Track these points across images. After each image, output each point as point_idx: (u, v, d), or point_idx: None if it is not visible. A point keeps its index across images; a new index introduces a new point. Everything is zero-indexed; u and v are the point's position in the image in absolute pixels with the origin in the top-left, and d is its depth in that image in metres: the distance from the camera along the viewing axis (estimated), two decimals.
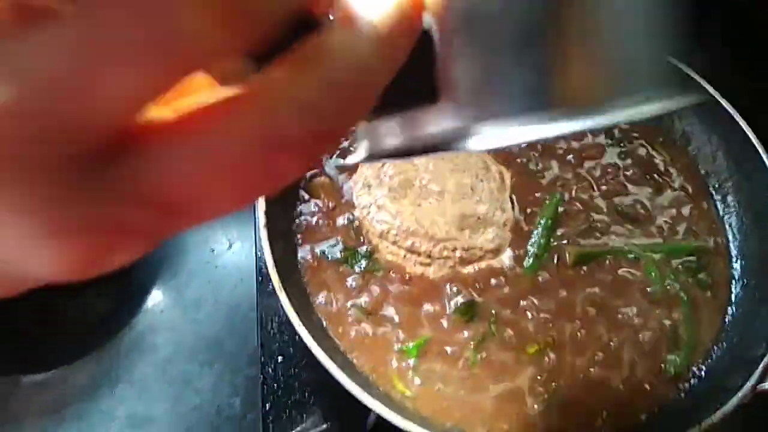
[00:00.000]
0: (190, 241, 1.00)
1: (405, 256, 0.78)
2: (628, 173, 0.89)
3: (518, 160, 0.90)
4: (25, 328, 0.92)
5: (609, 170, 0.89)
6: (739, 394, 0.64)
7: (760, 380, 0.65)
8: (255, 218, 0.75)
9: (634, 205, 0.86)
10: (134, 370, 0.89)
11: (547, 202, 0.85)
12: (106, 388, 0.87)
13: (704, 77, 0.88)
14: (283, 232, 0.79)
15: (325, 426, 0.77)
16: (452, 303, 0.76)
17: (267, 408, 0.79)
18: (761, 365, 0.66)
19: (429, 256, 0.77)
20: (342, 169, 0.86)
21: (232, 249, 0.99)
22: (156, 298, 0.95)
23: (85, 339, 0.92)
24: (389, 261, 0.78)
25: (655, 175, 0.89)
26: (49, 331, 0.92)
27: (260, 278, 0.85)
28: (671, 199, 0.88)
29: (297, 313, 0.66)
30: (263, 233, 0.70)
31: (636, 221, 0.85)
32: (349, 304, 0.76)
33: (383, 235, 0.79)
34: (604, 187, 0.88)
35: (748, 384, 0.65)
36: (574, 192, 0.87)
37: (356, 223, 0.82)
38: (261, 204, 0.73)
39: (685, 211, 0.86)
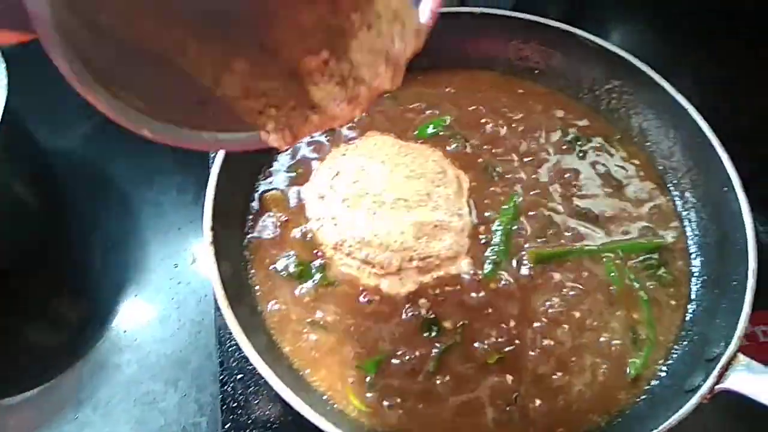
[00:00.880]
0: (153, 256, 0.98)
1: (359, 267, 0.76)
2: (586, 172, 0.88)
3: (477, 163, 0.89)
4: None
5: (567, 170, 0.88)
6: (698, 395, 0.64)
7: (718, 380, 0.64)
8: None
9: (593, 205, 0.85)
10: (98, 393, 0.87)
11: (505, 206, 0.83)
12: (69, 412, 0.85)
13: (661, 73, 0.87)
14: (233, 248, 0.77)
15: None
16: (411, 315, 0.75)
17: (226, 428, 0.77)
18: (719, 364, 0.65)
19: (383, 267, 0.76)
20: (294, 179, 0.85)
21: (195, 263, 0.97)
22: (120, 317, 0.93)
23: (48, 362, 0.90)
24: (343, 273, 0.77)
25: (614, 173, 0.89)
26: (11, 355, 0.91)
27: None
28: (630, 196, 0.87)
29: (244, 331, 0.64)
30: (209, 251, 0.68)
31: (595, 220, 0.84)
32: (304, 320, 0.74)
33: (337, 246, 0.77)
34: (562, 188, 0.87)
35: (706, 384, 0.64)
36: (532, 194, 0.86)
37: (309, 235, 0.80)
38: (207, 219, 0.71)
39: (644, 208, 0.86)
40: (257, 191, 0.84)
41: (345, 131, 0.91)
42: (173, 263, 0.98)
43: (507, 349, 0.73)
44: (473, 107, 0.94)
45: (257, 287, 0.76)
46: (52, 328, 0.96)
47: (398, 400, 0.70)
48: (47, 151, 1.07)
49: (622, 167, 0.89)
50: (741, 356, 0.66)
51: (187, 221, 1.02)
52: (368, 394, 0.70)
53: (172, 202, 1.05)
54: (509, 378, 0.71)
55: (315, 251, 0.79)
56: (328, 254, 0.78)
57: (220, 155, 0.77)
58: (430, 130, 0.91)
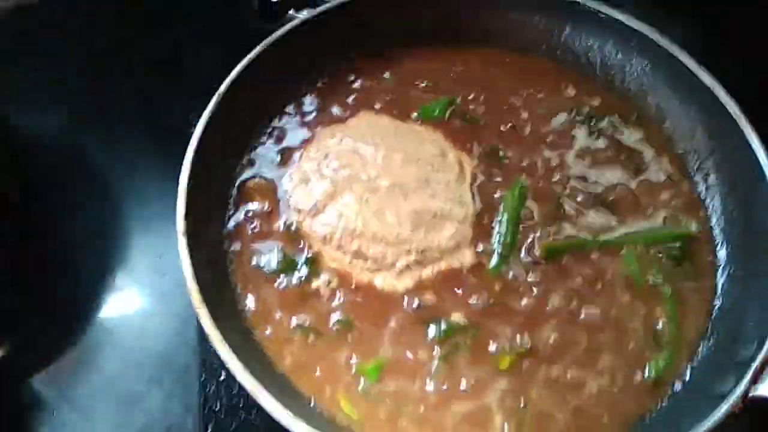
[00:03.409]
0: (136, 247, 0.92)
1: (351, 261, 0.69)
2: (600, 155, 0.81)
3: (480, 145, 0.81)
4: None
5: (580, 152, 0.81)
6: (728, 402, 0.57)
7: (751, 386, 0.58)
8: None
9: (609, 190, 0.78)
10: (77, 391, 0.81)
11: (509, 192, 0.76)
12: (45, 410, 0.80)
13: (678, 45, 0.80)
14: (211, 240, 0.70)
15: None
16: (409, 314, 0.68)
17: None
18: (753, 367, 0.59)
19: (376, 261, 0.69)
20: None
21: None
22: (100, 312, 0.87)
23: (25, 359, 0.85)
24: (333, 269, 0.70)
25: (631, 156, 0.81)
26: None
27: None
28: (648, 181, 0.79)
29: (222, 332, 0.58)
30: (182, 243, 0.61)
31: (612, 207, 0.77)
32: (291, 321, 0.67)
33: (326, 239, 0.70)
34: (575, 172, 0.79)
35: (738, 390, 0.57)
36: (542, 178, 0.78)
37: (294, 226, 0.73)
38: (180, 208, 0.64)
39: (664, 194, 0.78)
40: (239, 178, 0.77)
41: (335, 110, 0.84)
42: (157, 254, 0.91)
43: (518, 352, 0.66)
44: (477, 86, 0.87)
45: (238, 284, 0.69)
46: (28, 323, 0.91)
47: (395, 406, 0.63)
48: (22, 135, 1.01)
49: (640, 149, 0.82)
50: None
51: (171, 209, 0.95)
52: (362, 401, 0.63)
53: (155, 190, 0.98)
54: (519, 384, 0.65)
55: (300, 245, 0.72)
56: (315, 247, 0.71)
57: (196, 136, 0.70)
58: (432, 110, 0.84)
